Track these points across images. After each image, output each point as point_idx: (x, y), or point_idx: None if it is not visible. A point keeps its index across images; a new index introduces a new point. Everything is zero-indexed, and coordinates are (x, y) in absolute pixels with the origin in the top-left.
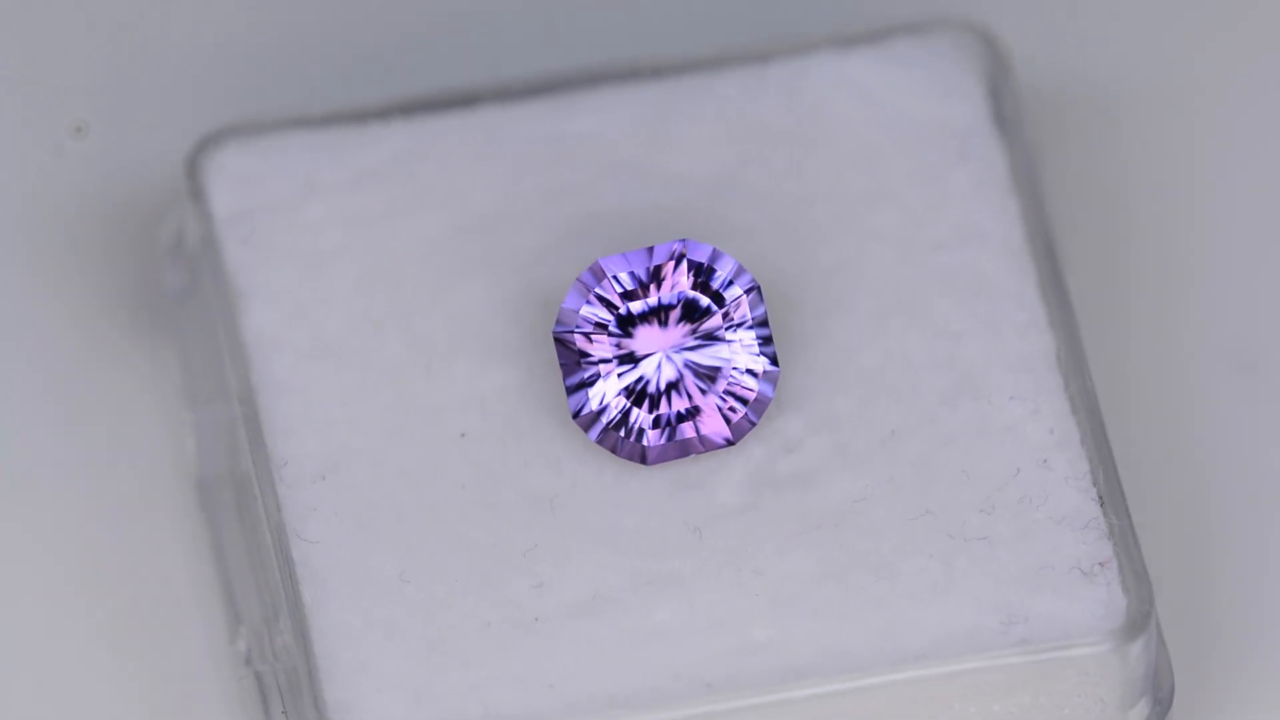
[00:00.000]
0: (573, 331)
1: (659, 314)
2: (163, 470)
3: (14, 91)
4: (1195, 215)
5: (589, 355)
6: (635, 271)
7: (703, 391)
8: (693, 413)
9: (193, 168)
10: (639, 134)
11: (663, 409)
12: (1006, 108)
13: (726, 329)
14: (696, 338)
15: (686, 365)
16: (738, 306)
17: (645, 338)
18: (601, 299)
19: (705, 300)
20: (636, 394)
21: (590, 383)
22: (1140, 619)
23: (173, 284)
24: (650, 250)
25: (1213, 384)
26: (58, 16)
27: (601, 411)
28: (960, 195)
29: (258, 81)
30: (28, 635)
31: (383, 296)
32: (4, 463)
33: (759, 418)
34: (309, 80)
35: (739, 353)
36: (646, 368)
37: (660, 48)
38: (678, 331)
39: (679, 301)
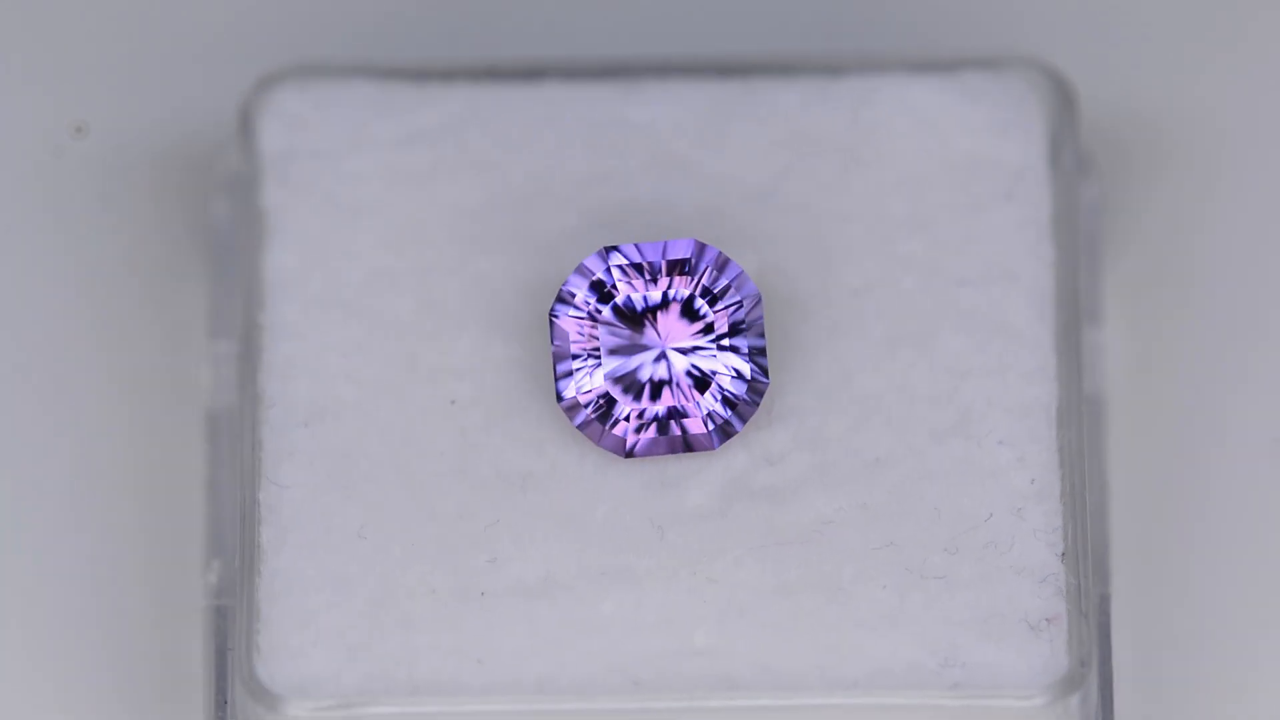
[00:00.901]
0: (567, 315)
1: (658, 310)
2: (185, 398)
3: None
4: (1255, 273)
5: (580, 341)
6: (641, 263)
7: (690, 392)
8: (679, 413)
9: (247, 105)
10: (691, 130)
11: (650, 405)
12: (1064, 152)
13: (722, 335)
14: (692, 339)
15: (678, 364)
16: (736, 313)
17: (640, 331)
18: (599, 285)
19: (703, 303)
20: (628, 387)
21: (579, 370)
22: (1076, 677)
23: (220, 217)
24: (662, 245)
25: (1244, 456)
26: None
27: (587, 400)
28: (996, 234)
29: (329, 25)
30: (27, 533)
31: (405, 256)
32: (48, 381)
33: (743, 425)
34: (382, 31)
35: (732, 359)
36: (639, 362)
37: (729, 46)
38: (675, 330)
39: (679, 300)
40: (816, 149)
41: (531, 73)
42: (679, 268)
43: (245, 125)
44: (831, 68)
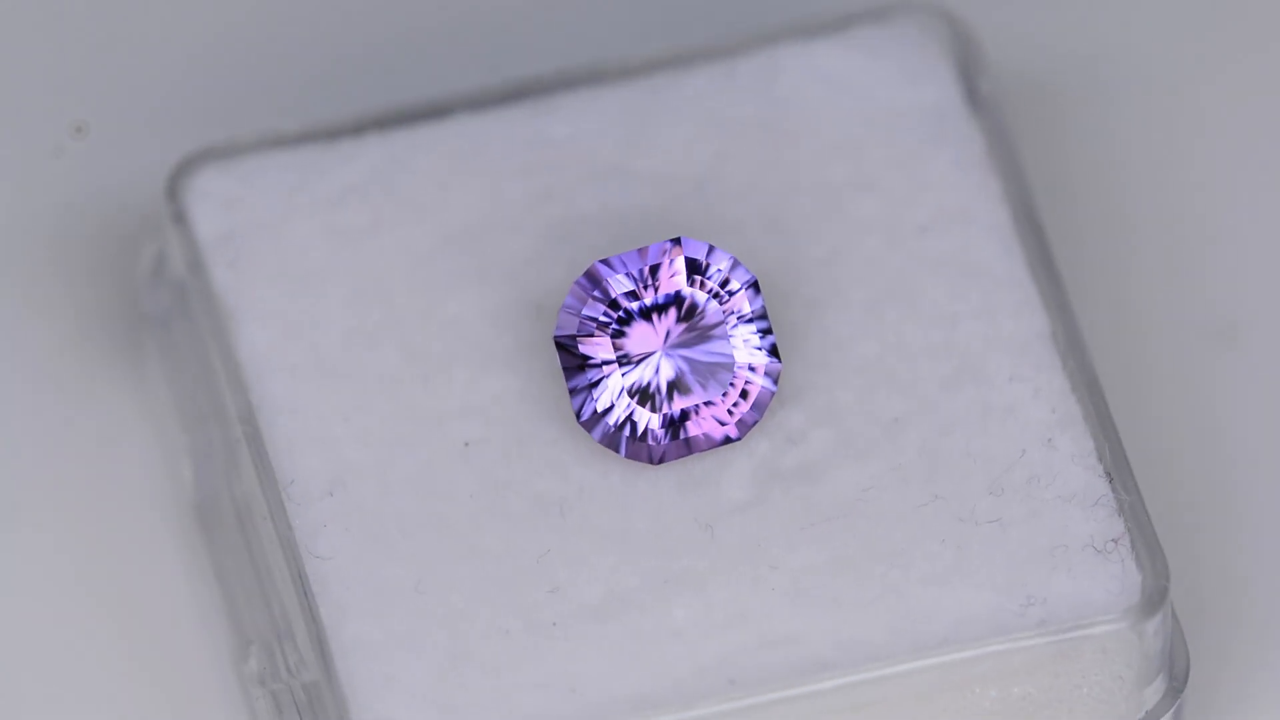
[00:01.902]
0: (574, 335)
1: (657, 313)
2: (154, 495)
3: None
4: (1172, 192)
5: (591, 358)
6: (631, 271)
7: (705, 388)
8: (696, 410)
9: (173, 192)
10: (615, 136)
11: (666, 408)
12: (978, 88)
13: (726, 325)
14: (696, 335)
15: (687, 363)
16: (736, 302)
17: (644, 337)
18: (601, 300)
19: (703, 297)
20: (640, 394)
21: (593, 385)
22: (1156, 594)
23: (155, 307)
24: (644, 250)
25: (1202, 354)
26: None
27: (606, 413)
28: (941, 178)
29: (227, 101)
30: (32, 669)
31: (374, 311)
32: None
33: (762, 413)
34: (281, 97)
35: (740, 348)
36: (648, 367)
37: (625, 48)
38: (677, 330)
39: (677, 299)
40: (740, 131)
41: (438, 111)
42: (668, 267)
43: (176, 213)
44: (729, 50)
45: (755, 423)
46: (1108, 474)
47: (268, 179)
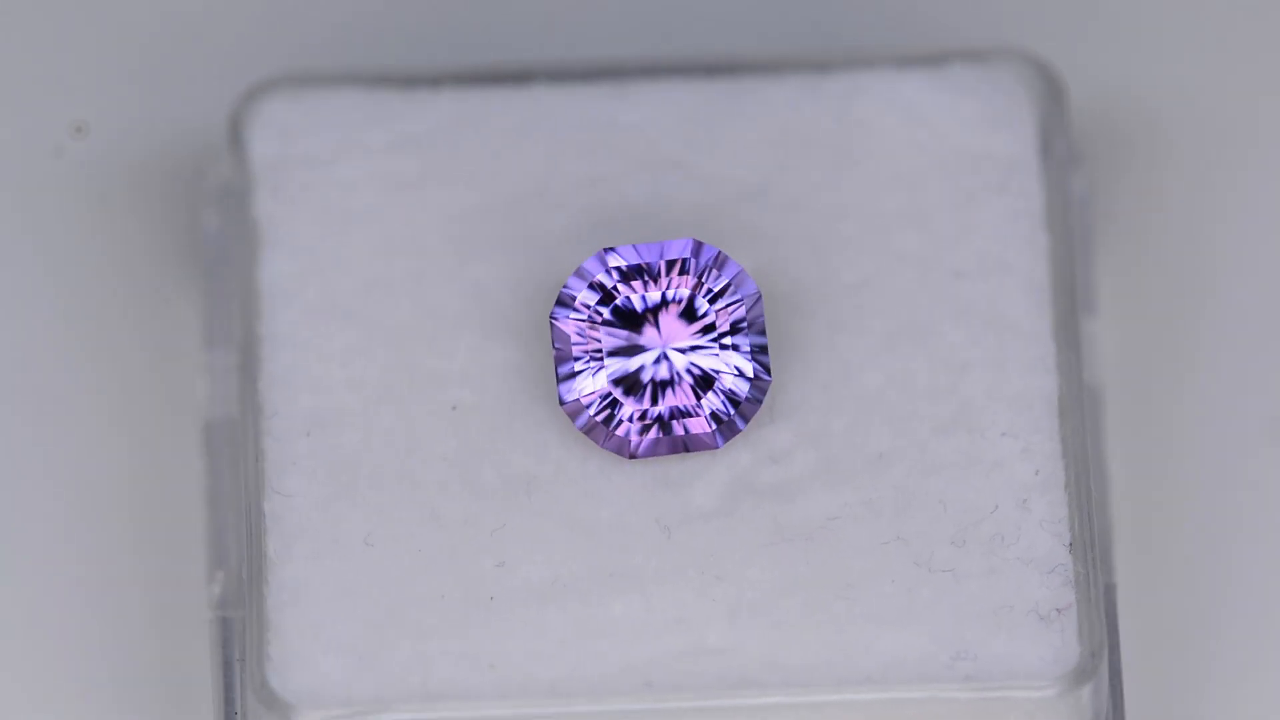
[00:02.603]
0: (568, 318)
1: (658, 311)
2: (181, 410)
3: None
4: (1247, 261)
5: (581, 343)
6: (640, 264)
7: (694, 392)
8: (682, 413)
9: (237, 114)
10: (682, 130)
11: (652, 405)
12: (1055, 143)
13: (723, 333)
14: (693, 338)
15: (679, 364)
16: (736, 311)
17: (640, 332)
18: (599, 287)
19: (704, 302)
20: (629, 388)
21: (580, 372)
22: (1089, 667)
23: (212, 228)
24: (660, 246)
25: (1241, 443)
26: None
27: (589, 402)
28: (990, 226)
29: (316, 35)
30: (26, 531)
31: (400, 262)
32: (38, 389)
33: (746, 424)
34: (367, 38)
35: (733, 358)
36: (640, 363)
37: (717, 46)
38: (676, 330)
39: (679, 300)
40: (807, 146)
41: (519, 77)
42: (678, 267)
43: (235, 135)
44: (819, 64)
45: (738, 433)
46: (1071, 544)
47: (332, 115)
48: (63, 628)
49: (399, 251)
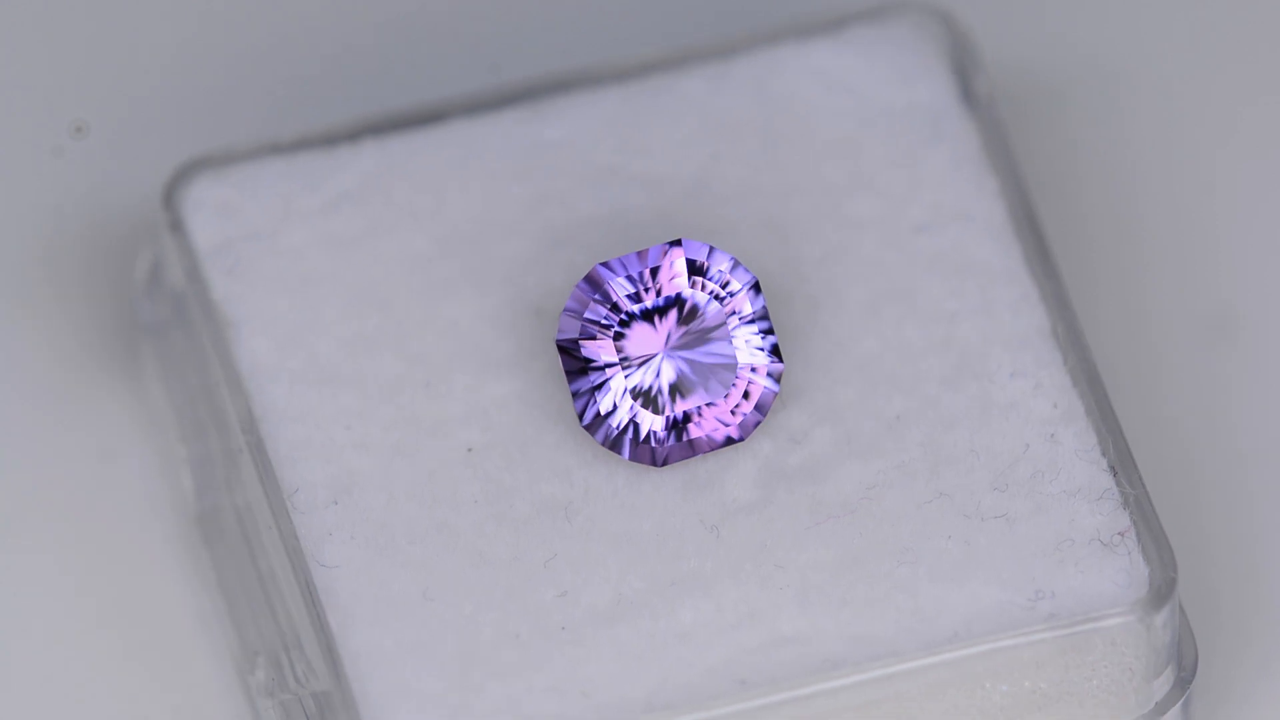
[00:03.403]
0: (576, 338)
1: (659, 315)
2: (153, 506)
3: None
4: (1167, 183)
5: (594, 361)
6: (632, 274)
7: (708, 390)
8: (699, 412)
9: (169, 201)
10: (611, 138)
11: (669, 410)
12: (974, 86)
13: (727, 326)
14: (697, 336)
15: (690, 364)
16: (737, 302)
17: (646, 339)
18: (603, 303)
19: (704, 298)
20: (643, 396)
21: (596, 388)
22: (1165, 586)
23: (151, 316)
24: (644, 252)
25: (1205, 350)
26: (13, 53)
27: (609, 416)
28: (937, 177)
29: (218, 109)
30: (34, 686)
31: (372, 316)
32: None
33: (766, 413)
34: (274, 104)
35: (742, 349)
36: (650, 369)
37: (623, 50)
38: (678, 331)
39: (678, 301)
40: (736, 132)
41: (434, 115)
42: (670, 270)
43: (173, 221)
44: (725, 50)
45: (758, 423)
46: (1112, 468)
47: (264, 187)
48: None
49: (367, 307)
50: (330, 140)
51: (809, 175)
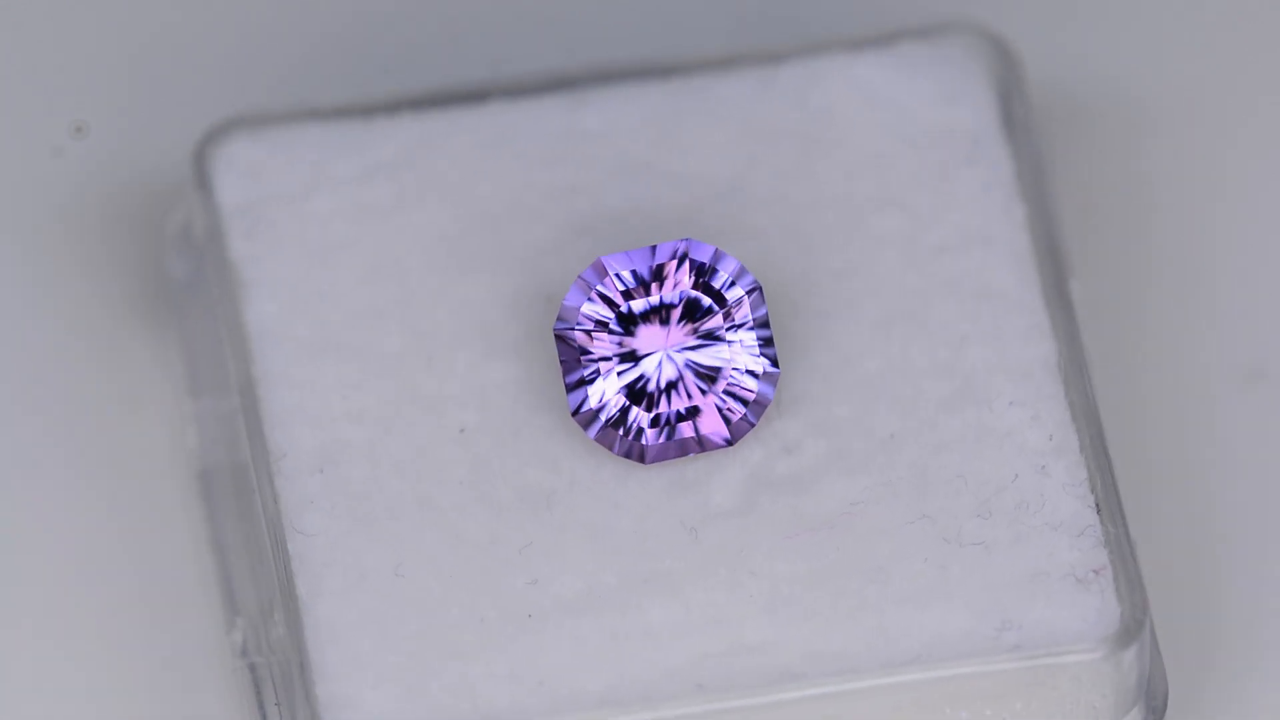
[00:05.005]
0: (573, 328)
1: (660, 313)
2: (165, 459)
3: (16, 87)
4: (1207, 221)
5: (589, 353)
6: (637, 270)
7: (702, 392)
8: (692, 413)
9: (200, 157)
10: (647, 133)
11: (662, 408)
12: (1015, 112)
13: (727, 329)
14: (697, 337)
15: (687, 365)
16: (739, 307)
17: (646, 336)
18: (603, 296)
19: (706, 300)
20: (636, 393)
21: (590, 380)
22: (1133, 626)
23: (179, 273)
24: (653, 249)
25: (1219, 393)
26: (60, 13)
27: (600, 409)
28: (966, 199)
29: (268, 74)
30: (26, 621)
31: (386, 289)
32: (7, 449)
33: (758, 419)
34: (319, 73)
35: (739, 353)
36: (646, 366)
37: (671, 47)
38: (678, 331)
39: (680, 301)
40: (774, 138)
41: (475, 95)
42: (675, 268)
43: (201, 179)
44: (772, 57)
45: (750, 429)
46: (1097, 505)
47: (296, 151)
48: (73, 695)
49: (382, 279)
50: (368, 111)
51: (839, 187)
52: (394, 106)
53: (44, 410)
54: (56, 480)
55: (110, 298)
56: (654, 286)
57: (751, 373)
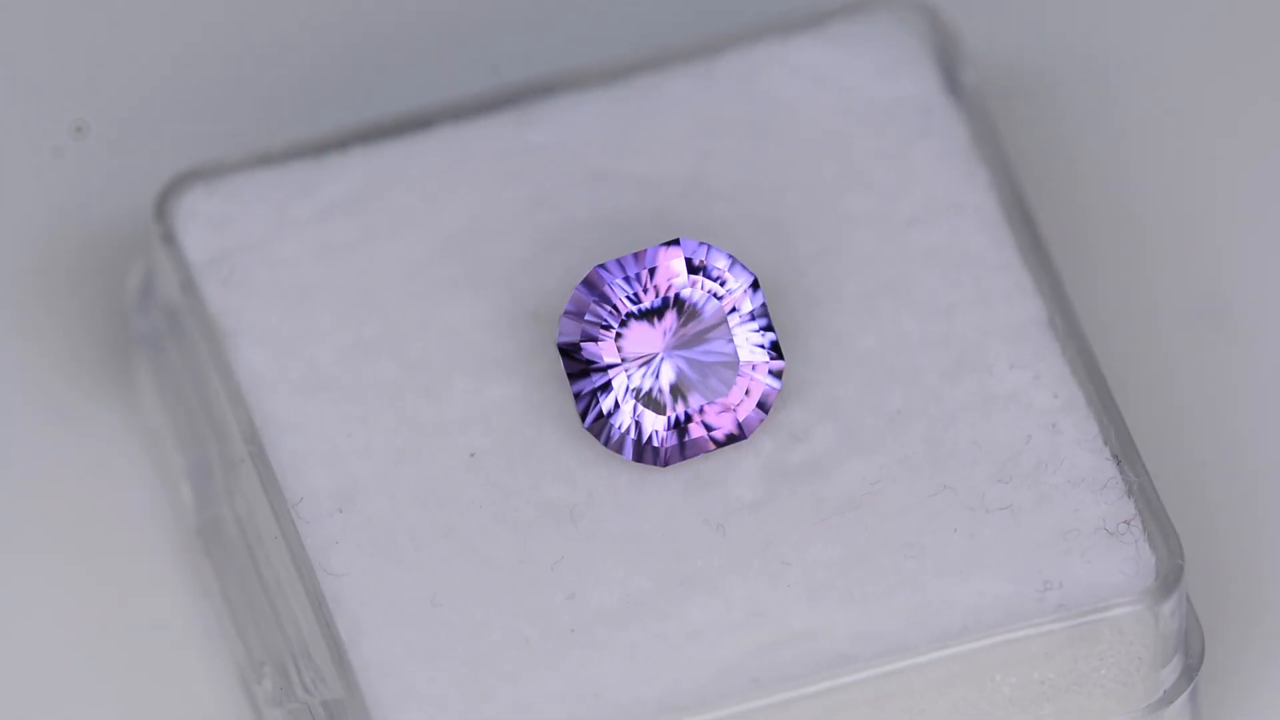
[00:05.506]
0: (577, 340)
1: (658, 315)
2: (151, 518)
3: None
4: (1156, 173)
5: (595, 362)
6: (630, 275)
7: (708, 389)
8: (700, 411)
9: (161, 213)
10: (600, 140)
11: (671, 410)
12: (959, 78)
13: (726, 324)
14: (697, 335)
15: (690, 364)
16: (736, 300)
17: (648, 340)
18: (602, 305)
19: (703, 297)
20: (644, 397)
21: (599, 389)
22: (1172, 574)
23: (144, 327)
24: (642, 253)
25: (1199, 338)
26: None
27: (611, 417)
28: (927, 170)
29: (205, 120)
30: (37, 699)
31: (369, 323)
32: None
33: (768, 411)
34: (263, 114)
35: (742, 347)
36: (651, 370)
37: (604, 51)
38: (678, 331)
39: (677, 301)
40: (725, 130)
41: (421, 122)
42: (669, 269)
43: (165, 233)
44: (708, 49)
45: (761, 421)
46: (1115, 456)
47: (255, 197)
48: None
49: (363, 313)
50: (320, 149)
51: (800, 171)
52: (344, 142)
53: (14, 484)
54: (38, 553)
55: (70, 360)
56: (650, 289)
57: (755, 365)
